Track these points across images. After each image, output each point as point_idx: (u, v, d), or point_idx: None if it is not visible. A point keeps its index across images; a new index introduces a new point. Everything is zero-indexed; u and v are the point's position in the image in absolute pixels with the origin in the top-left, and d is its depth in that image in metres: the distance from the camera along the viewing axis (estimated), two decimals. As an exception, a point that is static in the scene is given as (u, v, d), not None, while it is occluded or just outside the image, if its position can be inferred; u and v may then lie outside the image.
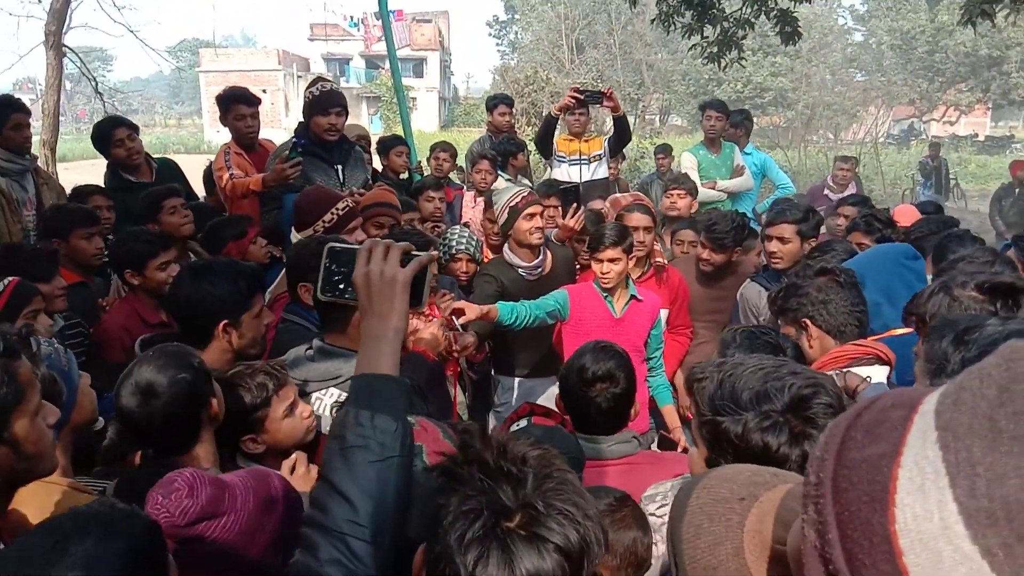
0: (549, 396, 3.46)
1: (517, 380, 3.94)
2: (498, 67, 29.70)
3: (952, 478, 0.52)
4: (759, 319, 3.50)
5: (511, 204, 3.73)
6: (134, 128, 4.71)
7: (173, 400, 1.82)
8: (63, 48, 9.03)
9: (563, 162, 5.91)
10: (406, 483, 1.17)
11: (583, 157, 5.87)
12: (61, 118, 9.59)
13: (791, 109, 29.72)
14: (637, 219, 3.84)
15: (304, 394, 2.26)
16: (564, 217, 4.14)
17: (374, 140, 6.10)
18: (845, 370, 2.39)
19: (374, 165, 5.65)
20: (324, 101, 4.08)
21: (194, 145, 36.84)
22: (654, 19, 8.84)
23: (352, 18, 49.01)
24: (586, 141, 5.91)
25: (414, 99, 40.38)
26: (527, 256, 3.78)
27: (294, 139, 4.23)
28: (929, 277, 3.08)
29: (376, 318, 1.25)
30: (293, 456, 2.07)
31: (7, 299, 2.60)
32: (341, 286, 1.37)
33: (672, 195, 5.01)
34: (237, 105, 4.65)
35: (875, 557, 0.55)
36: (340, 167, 4.19)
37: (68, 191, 4.65)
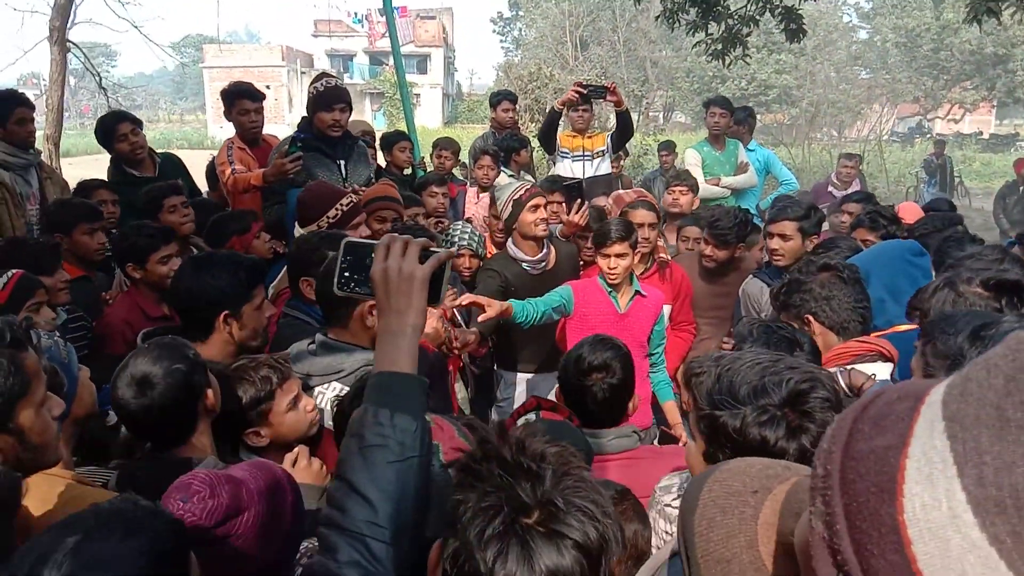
0: (551, 391, 3.45)
1: (519, 375, 3.94)
2: (502, 64, 29.69)
3: (960, 467, 0.52)
4: (761, 315, 3.49)
5: (514, 197, 3.72)
6: (138, 123, 4.71)
7: (168, 391, 1.84)
8: (67, 43, 9.03)
9: (566, 158, 5.91)
10: (425, 484, 1.15)
11: (586, 153, 5.87)
12: (65, 113, 9.62)
13: (795, 106, 29.67)
14: (641, 215, 3.84)
15: (307, 388, 2.26)
16: (568, 213, 4.14)
17: (378, 136, 6.11)
18: (850, 367, 2.38)
19: (378, 161, 5.66)
20: (328, 97, 4.08)
21: (197, 141, 36.88)
22: (658, 16, 8.82)
23: (356, 14, 48.95)
24: (589, 137, 5.92)
25: (418, 95, 40.43)
26: (531, 250, 3.77)
27: (295, 134, 4.23)
28: (933, 274, 3.08)
29: (394, 315, 1.23)
30: (295, 449, 2.07)
31: (10, 291, 2.61)
32: (357, 281, 1.35)
33: (674, 191, 5.02)
34: (241, 100, 4.65)
35: (883, 547, 0.55)
36: (343, 163, 4.20)
37: (72, 186, 4.65)
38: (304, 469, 2.03)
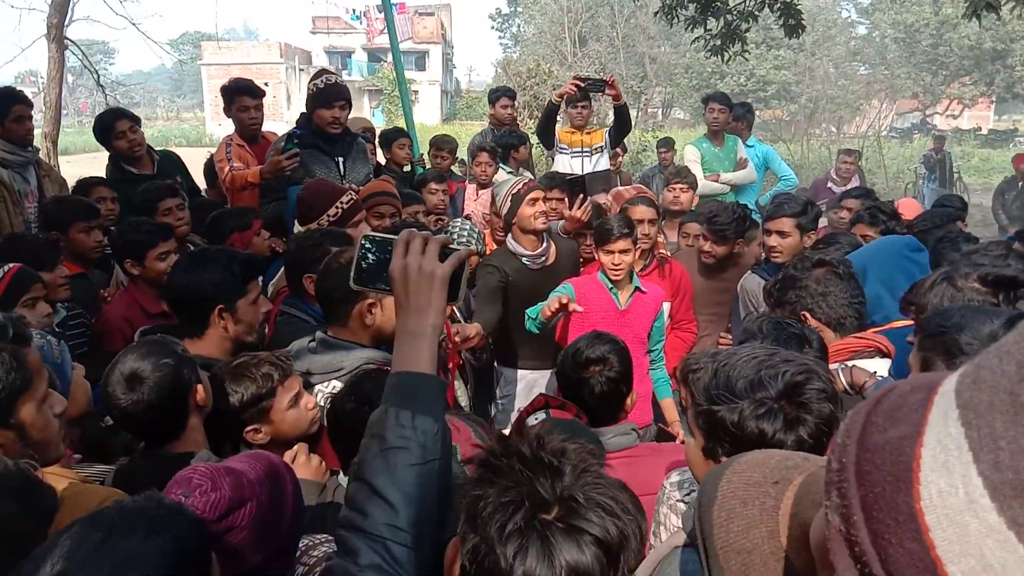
0: (551, 388, 3.46)
1: (519, 372, 3.94)
2: (500, 60, 29.63)
3: (976, 453, 0.52)
4: (759, 311, 3.49)
5: (513, 192, 3.72)
6: (136, 120, 4.70)
7: (157, 387, 1.85)
8: (65, 41, 9.02)
9: (565, 153, 5.92)
10: (447, 487, 1.14)
11: (585, 149, 5.88)
12: (63, 111, 9.60)
13: (794, 102, 29.66)
14: (641, 212, 3.84)
15: (307, 386, 2.26)
16: (571, 209, 4.13)
17: (377, 133, 6.10)
18: (851, 365, 2.38)
19: (378, 158, 5.66)
20: (328, 94, 4.07)
21: (196, 138, 36.84)
22: (657, 12, 8.83)
23: (354, 11, 48.86)
24: (588, 133, 5.93)
25: (416, 92, 40.36)
26: (531, 244, 3.77)
27: (292, 130, 4.23)
28: (931, 271, 3.08)
29: (414, 314, 1.21)
30: (295, 447, 2.08)
31: (6, 285, 2.61)
32: (375, 276, 1.33)
33: (675, 189, 5.01)
34: (241, 97, 4.65)
35: (901, 536, 0.55)
36: (341, 160, 4.19)
37: (70, 184, 4.65)
38: (303, 465, 2.04)
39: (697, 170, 5.83)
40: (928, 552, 0.53)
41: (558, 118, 6.05)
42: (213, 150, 5.04)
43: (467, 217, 5.12)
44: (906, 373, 2.27)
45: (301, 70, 42.92)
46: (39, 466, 1.42)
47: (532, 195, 3.70)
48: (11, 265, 2.66)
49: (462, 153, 7.10)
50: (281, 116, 36.92)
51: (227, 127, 4.90)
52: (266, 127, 4.95)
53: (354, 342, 2.40)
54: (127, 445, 2.18)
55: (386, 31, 7.64)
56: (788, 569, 0.90)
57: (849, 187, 6.73)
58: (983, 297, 2.15)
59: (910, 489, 0.55)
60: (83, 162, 14.05)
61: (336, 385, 2.33)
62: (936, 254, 3.34)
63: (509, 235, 3.85)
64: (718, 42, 8.74)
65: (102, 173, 4.74)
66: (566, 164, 5.87)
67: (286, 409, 2.10)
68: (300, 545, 1.58)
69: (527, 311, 3.32)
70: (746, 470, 0.99)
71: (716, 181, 6.16)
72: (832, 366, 2.25)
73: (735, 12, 8.56)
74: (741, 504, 0.95)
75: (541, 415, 2.24)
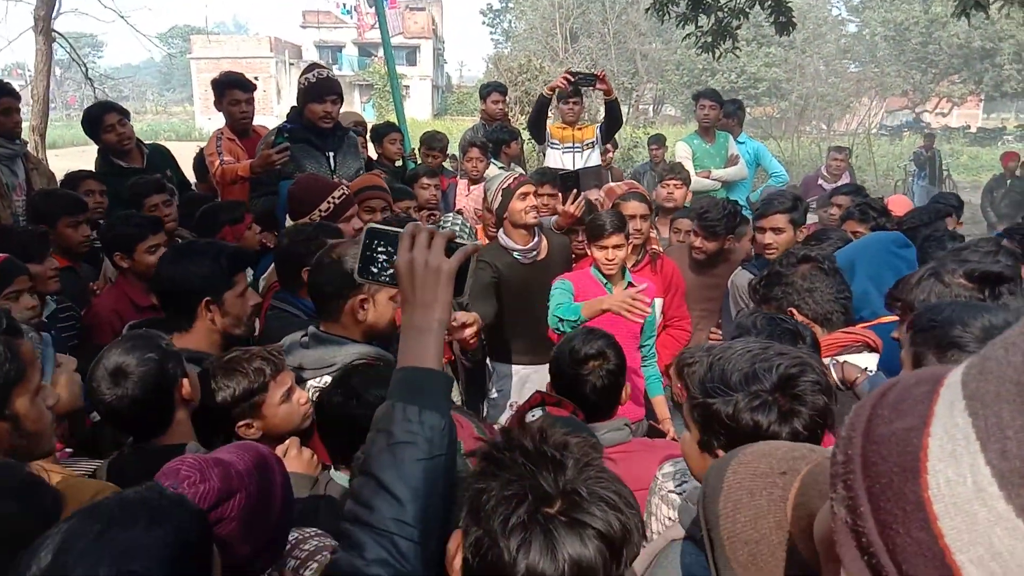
0: (544, 382, 3.46)
1: (512, 367, 3.94)
2: (492, 56, 29.53)
3: (983, 443, 0.52)
4: (749, 307, 3.51)
5: (503, 186, 3.72)
6: (125, 113, 4.67)
7: (142, 381, 1.85)
8: (53, 33, 8.95)
9: (556, 149, 5.92)
10: (452, 483, 1.14)
11: (576, 145, 5.88)
12: (51, 104, 9.52)
13: (785, 99, 29.72)
14: (633, 207, 3.84)
15: (300, 381, 2.25)
16: (564, 204, 4.13)
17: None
18: (843, 361, 2.40)
19: (369, 153, 5.64)
20: (320, 89, 4.05)
21: (185, 132, 36.65)
22: (648, 8, 8.82)
23: (344, 5, 48.71)
24: (579, 129, 5.93)
25: (407, 87, 40.29)
26: (522, 239, 3.77)
27: (282, 124, 4.21)
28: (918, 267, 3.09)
29: (420, 308, 1.20)
30: (287, 442, 2.07)
31: None
32: (380, 269, 1.32)
33: (668, 185, 5.02)
34: (232, 90, 4.62)
35: (909, 525, 0.55)
36: (332, 154, 4.17)
37: (59, 177, 4.62)
38: (295, 458, 2.03)
39: (688, 167, 5.83)
40: (936, 541, 0.53)
41: (549, 113, 6.05)
42: (203, 144, 5.01)
43: (459, 212, 5.11)
44: (894, 367, 2.29)
45: (291, 64, 42.78)
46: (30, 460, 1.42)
47: (523, 189, 3.70)
48: None
49: (453, 148, 7.09)
50: (271, 110, 36.75)
51: (216, 121, 4.88)
52: (256, 121, 4.92)
53: (346, 337, 2.39)
54: (116, 440, 2.17)
55: (376, 26, 7.62)
56: (795, 559, 0.90)
57: (839, 184, 6.76)
58: (969, 293, 2.16)
59: (917, 479, 0.55)
60: (71, 156, 13.96)
61: (328, 380, 2.33)
62: (922, 252, 3.36)
63: (501, 230, 3.84)
64: (709, 39, 8.75)
65: (91, 167, 4.71)
66: (557, 159, 5.87)
67: (278, 404, 2.09)
68: (290, 538, 1.57)
69: (556, 312, 3.24)
70: (752, 461, 0.99)
71: (707, 178, 6.17)
72: (824, 361, 2.26)
73: (726, 9, 8.57)
74: (748, 495, 0.96)
75: (538, 412, 2.25)
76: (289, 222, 3.45)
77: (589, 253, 3.54)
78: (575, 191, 4.15)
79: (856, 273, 2.95)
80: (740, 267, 3.87)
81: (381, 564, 1.05)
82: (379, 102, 37.99)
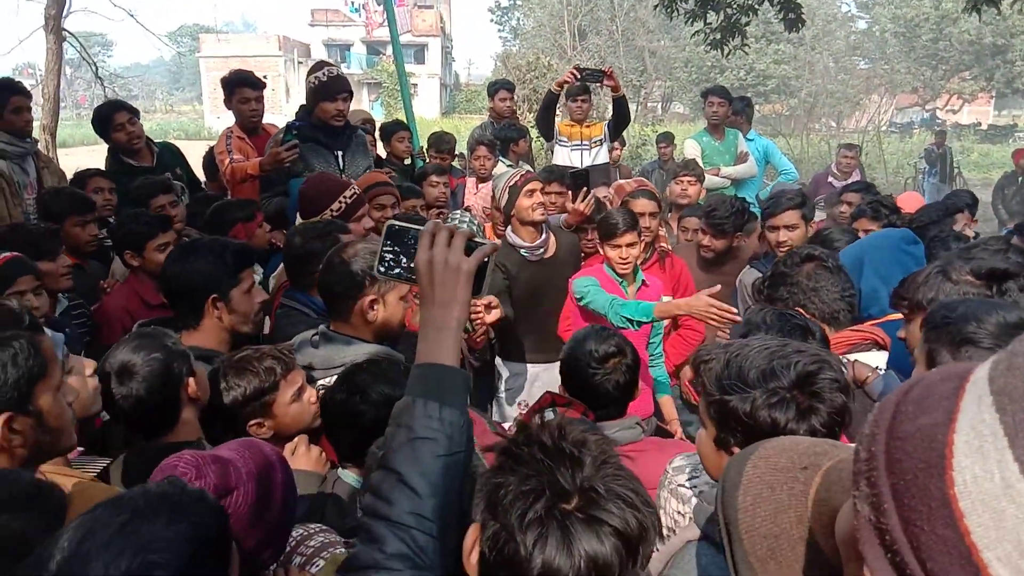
0: (554, 380, 3.46)
1: (521, 366, 3.93)
2: (500, 53, 29.59)
3: (1011, 438, 0.52)
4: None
5: (510, 184, 3.71)
6: (134, 112, 4.69)
7: (147, 380, 1.86)
8: (63, 32, 9.00)
9: (564, 146, 5.92)
10: (469, 480, 1.15)
11: (584, 142, 5.88)
12: (61, 103, 9.57)
13: (794, 97, 29.61)
14: (642, 204, 3.83)
15: (310, 380, 2.26)
16: (573, 202, 4.12)
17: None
18: (853, 359, 2.38)
19: (378, 151, 5.64)
20: (331, 87, 4.05)
21: (194, 131, 36.72)
22: (657, 5, 8.81)
23: (353, 3, 48.77)
24: (587, 126, 5.93)
25: (415, 85, 40.27)
26: (530, 236, 3.76)
27: (291, 122, 4.21)
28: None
29: (439, 307, 1.21)
30: (295, 439, 2.07)
31: None
32: (399, 265, 1.32)
33: (682, 181, 5.00)
34: (242, 88, 4.63)
35: (934, 522, 0.54)
36: (340, 153, 4.17)
37: (69, 176, 4.64)
38: (303, 456, 2.03)
39: (698, 164, 5.82)
40: (963, 539, 0.53)
41: (558, 111, 6.05)
42: (212, 143, 5.02)
43: (467, 209, 5.11)
44: (903, 366, 2.28)
45: (300, 63, 42.82)
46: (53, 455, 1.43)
47: (529, 186, 3.69)
48: (3, 255, 2.63)
49: (461, 147, 7.09)
50: (280, 109, 36.81)
51: (225, 120, 4.88)
52: (265, 120, 4.93)
53: (356, 337, 2.39)
54: (127, 438, 2.18)
55: (385, 24, 7.61)
56: (815, 554, 0.90)
57: (850, 181, 6.73)
58: (977, 290, 2.14)
59: (943, 475, 0.54)
60: (81, 154, 14.03)
61: (338, 380, 2.33)
62: (928, 252, 3.34)
63: (508, 228, 3.84)
64: (718, 36, 8.74)
65: (101, 165, 4.72)
66: (565, 157, 5.87)
67: (289, 403, 2.09)
68: (295, 535, 1.57)
69: (623, 312, 3.17)
70: (773, 455, 0.99)
71: (716, 175, 6.15)
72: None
73: (735, 6, 8.56)
74: (768, 489, 0.95)
75: (549, 414, 2.24)
76: (300, 221, 3.45)
77: (602, 252, 3.53)
78: (585, 189, 4.14)
79: (865, 270, 2.93)
80: (748, 266, 3.85)
81: (401, 558, 1.06)
82: (388, 100, 38.03)
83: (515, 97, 7.14)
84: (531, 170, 4.90)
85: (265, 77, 5.34)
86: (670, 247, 4.08)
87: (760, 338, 1.50)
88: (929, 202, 5.12)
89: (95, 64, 11.20)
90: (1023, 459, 0.50)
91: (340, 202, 3.32)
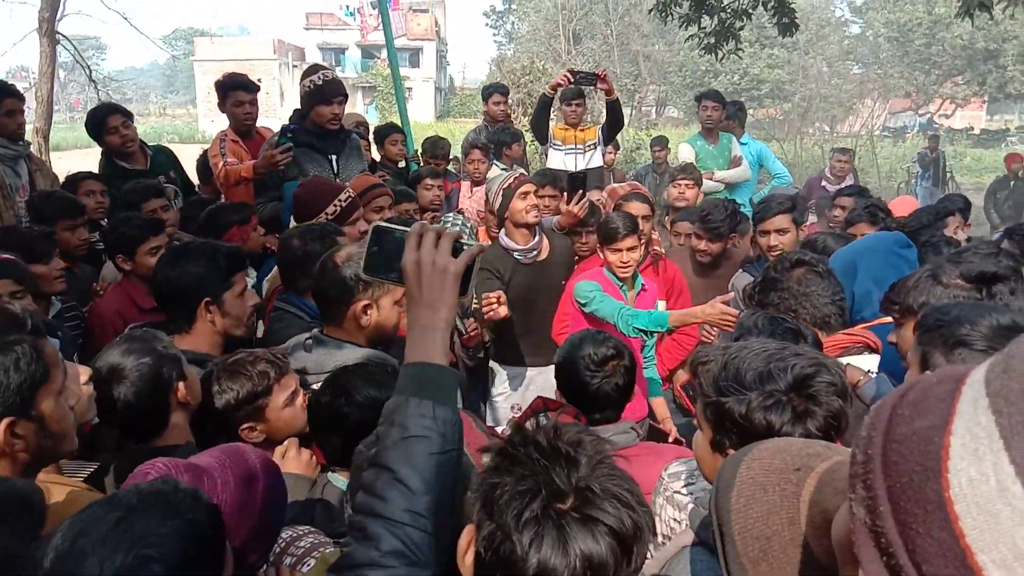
0: (548, 383, 3.45)
1: (515, 369, 3.93)
2: (495, 57, 29.60)
3: (1007, 441, 0.52)
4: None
5: (504, 186, 3.72)
6: (128, 115, 4.68)
7: (136, 383, 1.85)
8: (57, 36, 8.97)
9: (559, 150, 5.93)
10: (460, 477, 1.16)
11: (578, 146, 5.89)
12: (55, 107, 9.55)
13: (787, 101, 29.68)
14: (636, 207, 3.83)
15: (303, 384, 2.25)
16: (568, 204, 4.12)
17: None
18: (845, 363, 2.38)
19: (372, 154, 5.64)
20: (327, 91, 4.04)
21: (188, 135, 36.65)
22: (651, 9, 8.84)
23: (348, 7, 48.79)
24: (582, 130, 5.95)
25: (410, 89, 40.25)
26: (523, 238, 3.76)
27: (286, 125, 4.20)
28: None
29: (426, 308, 1.22)
30: (285, 442, 2.06)
31: None
32: (386, 267, 1.32)
33: (680, 185, 5.01)
34: (236, 92, 4.63)
35: (930, 525, 0.54)
36: (334, 157, 4.16)
37: (61, 179, 4.62)
38: (294, 459, 2.02)
39: (692, 168, 5.83)
40: (958, 541, 0.53)
41: (552, 114, 6.06)
42: (206, 146, 5.01)
43: (460, 211, 5.11)
44: (894, 369, 2.28)
45: (294, 66, 42.80)
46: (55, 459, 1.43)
47: (523, 189, 3.69)
48: None
49: (456, 151, 7.09)
50: (274, 112, 36.74)
51: (219, 124, 4.88)
52: (260, 123, 4.93)
53: (349, 341, 2.39)
54: (117, 441, 2.17)
55: (379, 27, 7.62)
56: (808, 556, 0.90)
57: (843, 185, 6.75)
58: (967, 293, 2.15)
59: (939, 478, 0.54)
60: (75, 158, 13.96)
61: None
62: (919, 256, 3.35)
63: (502, 231, 3.84)
64: (712, 40, 8.76)
65: (94, 169, 4.71)
66: (560, 161, 5.88)
67: (282, 407, 2.08)
68: (284, 536, 1.57)
69: (635, 323, 3.17)
70: (766, 456, 0.99)
71: (710, 179, 6.16)
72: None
73: (729, 10, 8.58)
74: (761, 490, 0.95)
75: (541, 419, 2.23)
76: (294, 225, 3.44)
77: (601, 256, 3.53)
78: (580, 192, 4.14)
79: (859, 273, 2.94)
80: (740, 270, 3.86)
81: (396, 555, 1.06)
82: (382, 104, 38.02)
83: (509, 101, 7.15)
84: (525, 173, 4.91)
85: (259, 80, 5.33)
86: (663, 251, 4.08)
87: (759, 341, 1.51)
88: (922, 206, 5.14)
89: (89, 67, 11.17)
90: (1019, 462, 0.50)
91: (335, 206, 3.31)
